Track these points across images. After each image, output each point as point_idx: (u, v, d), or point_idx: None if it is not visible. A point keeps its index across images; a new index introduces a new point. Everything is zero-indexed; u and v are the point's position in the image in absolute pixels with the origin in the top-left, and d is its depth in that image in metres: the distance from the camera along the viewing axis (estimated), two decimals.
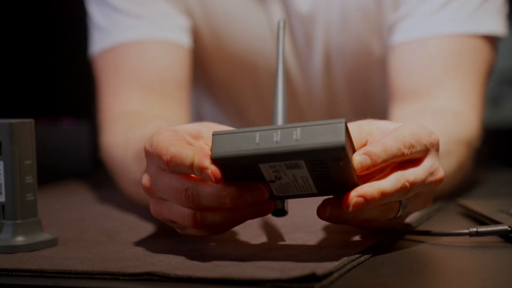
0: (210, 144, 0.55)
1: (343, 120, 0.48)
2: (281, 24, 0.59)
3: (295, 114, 1.00)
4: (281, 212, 0.55)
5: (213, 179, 0.49)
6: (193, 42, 0.92)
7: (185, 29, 0.90)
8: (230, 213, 0.52)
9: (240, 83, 0.99)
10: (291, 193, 0.52)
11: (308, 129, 0.48)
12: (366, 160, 0.50)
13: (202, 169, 0.49)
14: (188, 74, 0.90)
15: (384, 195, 0.51)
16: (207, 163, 0.49)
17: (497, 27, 0.86)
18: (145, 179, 0.55)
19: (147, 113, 0.83)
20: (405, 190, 0.52)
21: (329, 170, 0.49)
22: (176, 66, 0.88)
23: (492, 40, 0.86)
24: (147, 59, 0.88)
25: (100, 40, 0.89)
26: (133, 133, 0.76)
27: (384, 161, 0.51)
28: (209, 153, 0.50)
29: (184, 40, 0.89)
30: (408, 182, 0.52)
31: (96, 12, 0.90)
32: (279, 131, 0.48)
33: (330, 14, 0.91)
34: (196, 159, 0.50)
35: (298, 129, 0.48)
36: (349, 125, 0.55)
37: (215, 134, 0.49)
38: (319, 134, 0.47)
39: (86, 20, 0.93)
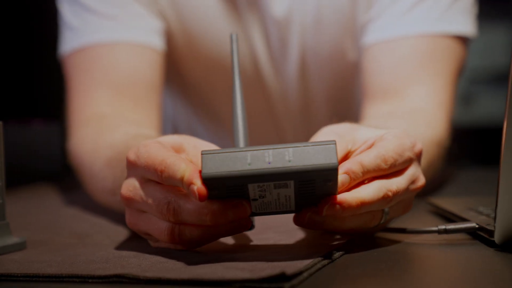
0: (190, 157, 0.55)
1: (334, 141, 0.49)
2: (234, 37, 0.59)
3: (269, 116, 1.01)
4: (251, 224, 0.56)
5: (198, 197, 0.49)
6: (165, 44, 0.91)
7: (158, 31, 0.89)
8: (208, 229, 0.52)
9: (213, 85, 0.99)
10: (269, 210, 0.53)
11: (300, 150, 0.48)
12: (346, 179, 0.52)
13: (189, 185, 0.49)
14: (159, 76, 0.89)
15: (363, 204, 0.52)
16: (196, 180, 0.49)
17: (467, 27, 0.87)
18: (126, 189, 0.55)
19: (117, 117, 0.82)
20: (387, 199, 0.53)
21: (315, 189, 0.50)
22: (147, 68, 0.88)
23: (462, 40, 0.87)
24: (118, 61, 0.87)
25: (71, 40, 0.88)
26: (103, 139, 0.75)
27: (362, 177, 0.53)
28: (200, 168, 0.49)
29: (156, 42, 0.89)
30: (390, 191, 0.53)
31: (67, 12, 0.89)
32: (270, 151, 0.48)
33: (305, 18, 0.91)
34: (187, 174, 0.50)
35: (290, 149, 0.48)
36: (329, 135, 0.56)
37: (204, 153, 0.49)
38: (311, 155, 0.48)
39: (57, 20, 0.92)
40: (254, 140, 0.75)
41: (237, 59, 0.59)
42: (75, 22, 0.88)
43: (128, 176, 0.56)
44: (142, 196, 0.54)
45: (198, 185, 0.49)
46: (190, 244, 0.54)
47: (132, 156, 0.54)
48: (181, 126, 1.06)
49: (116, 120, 0.81)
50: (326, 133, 0.58)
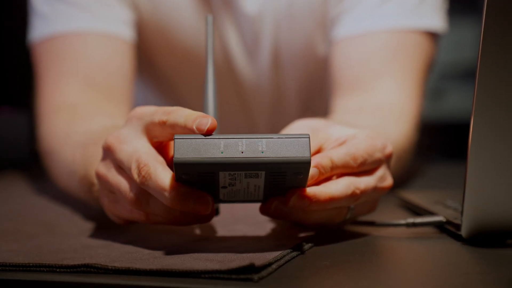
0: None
1: (308, 135, 0.49)
2: (209, 20, 0.59)
3: (241, 109, 1.01)
4: (215, 212, 0.56)
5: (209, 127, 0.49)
6: (137, 35, 0.91)
7: (129, 22, 0.89)
8: (171, 210, 0.52)
9: (185, 76, 0.99)
10: (236, 198, 0.53)
11: (274, 142, 0.48)
12: (315, 173, 0.53)
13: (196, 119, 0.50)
14: (130, 67, 0.88)
15: (332, 199, 0.52)
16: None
17: (438, 22, 0.88)
18: (112, 138, 0.54)
19: (88, 107, 0.81)
20: (355, 197, 0.54)
21: (285, 181, 0.50)
22: (119, 59, 0.87)
23: (433, 36, 0.88)
24: (89, 51, 0.86)
25: (41, 28, 0.87)
26: (77, 127, 0.74)
27: (330, 172, 0.53)
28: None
29: (128, 33, 0.88)
30: (358, 189, 0.54)
31: None
32: (244, 141, 0.48)
33: (278, 13, 0.91)
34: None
35: (264, 140, 0.48)
36: (305, 128, 0.56)
37: (177, 138, 0.48)
38: (285, 148, 0.48)
39: (26, 7, 0.91)
40: (225, 131, 0.74)
41: (211, 42, 0.59)
42: (46, 10, 0.87)
43: (124, 126, 0.55)
44: (126, 150, 0.53)
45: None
46: (150, 218, 0.54)
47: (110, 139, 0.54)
48: None
49: (89, 111, 0.80)
50: (300, 126, 0.58)
